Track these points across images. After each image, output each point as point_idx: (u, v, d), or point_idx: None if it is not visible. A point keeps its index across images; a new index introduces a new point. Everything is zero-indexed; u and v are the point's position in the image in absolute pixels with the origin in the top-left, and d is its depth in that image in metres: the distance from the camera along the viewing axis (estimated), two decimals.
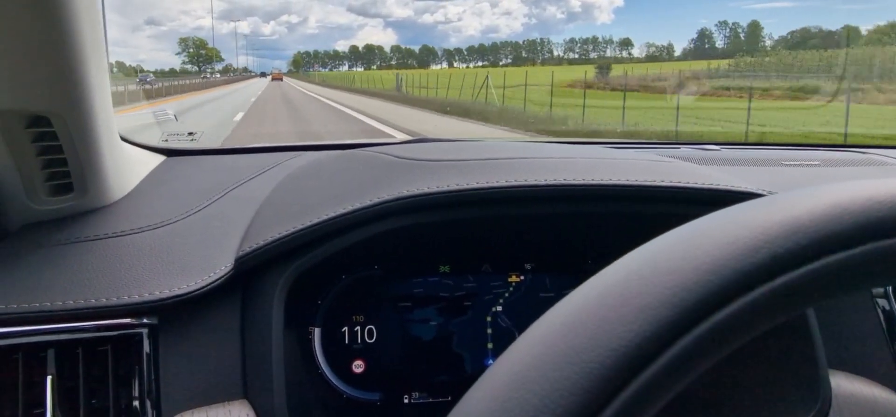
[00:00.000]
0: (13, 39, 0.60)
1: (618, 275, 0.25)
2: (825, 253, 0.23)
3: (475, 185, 0.68)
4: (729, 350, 0.24)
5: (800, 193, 0.26)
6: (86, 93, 0.68)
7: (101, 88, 0.72)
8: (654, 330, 0.23)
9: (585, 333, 0.23)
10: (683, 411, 0.66)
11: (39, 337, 0.61)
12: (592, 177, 0.70)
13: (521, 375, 0.23)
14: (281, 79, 63.15)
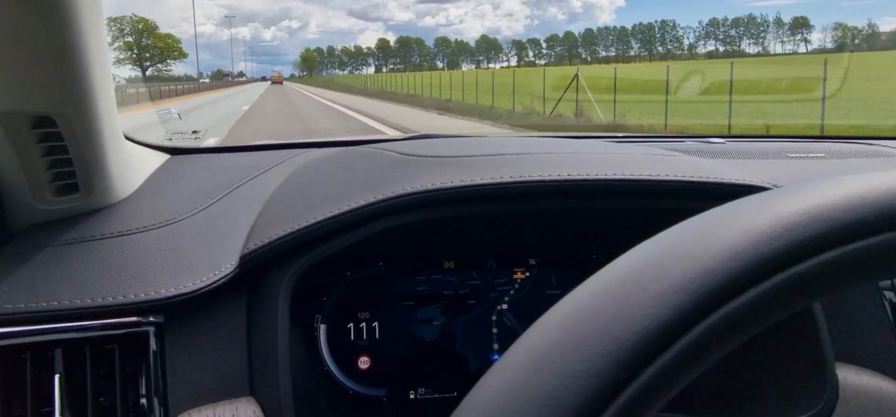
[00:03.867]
0: (18, 41, 0.60)
1: (636, 261, 0.26)
2: (842, 243, 0.24)
3: (480, 181, 0.68)
4: (746, 337, 0.24)
5: (818, 183, 0.26)
6: (90, 94, 0.69)
7: (104, 89, 0.72)
8: (673, 315, 0.23)
9: (604, 317, 0.23)
10: (691, 403, 0.66)
11: (47, 336, 0.62)
12: (597, 173, 0.70)
13: (541, 357, 0.23)
14: (281, 83, 63.45)
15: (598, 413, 0.22)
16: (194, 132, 1.41)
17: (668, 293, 0.23)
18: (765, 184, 0.72)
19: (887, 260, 0.24)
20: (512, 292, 0.84)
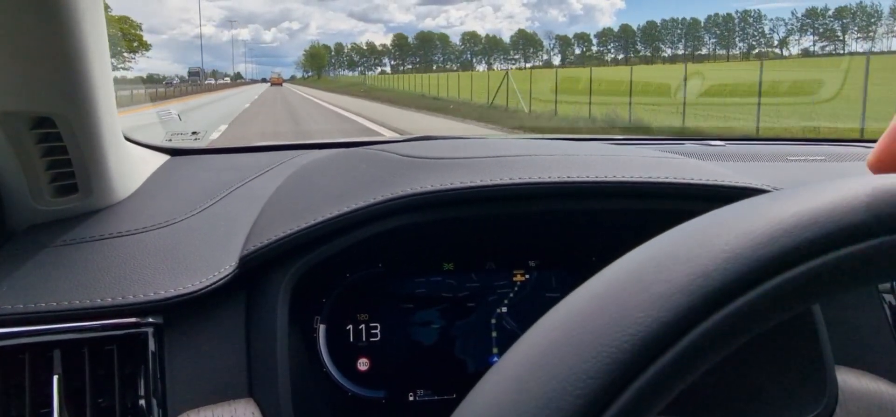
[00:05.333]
0: (17, 41, 0.60)
1: (635, 263, 0.26)
2: (842, 245, 0.24)
3: (479, 183, 0.68)
4: (745, 340, 0.24)
5: (818, 186, 0.27)
6: (90, 94, 0.69)
7: (104, 89, 0.72)
8: (672, 317, 0.23)
9: (604, 319, 0.23)
10: (691, 407, 0.66)
11: (45, 337, 0.61)
12: (597, 174, 0.70)
13: (540, 360, 0.23)
14: (280, 84, 61.57)
15: (596, 416, 0.22)
16: (194, 133, 1.41)
17: (667, 295, 0.23)
18: (764, 187, 0.72)
19: (887, 263, 0.24)
20: (511, 294, 0.84)
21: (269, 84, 64.91)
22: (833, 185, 0.26)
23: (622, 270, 0.26)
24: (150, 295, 0.64)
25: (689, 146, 1.22)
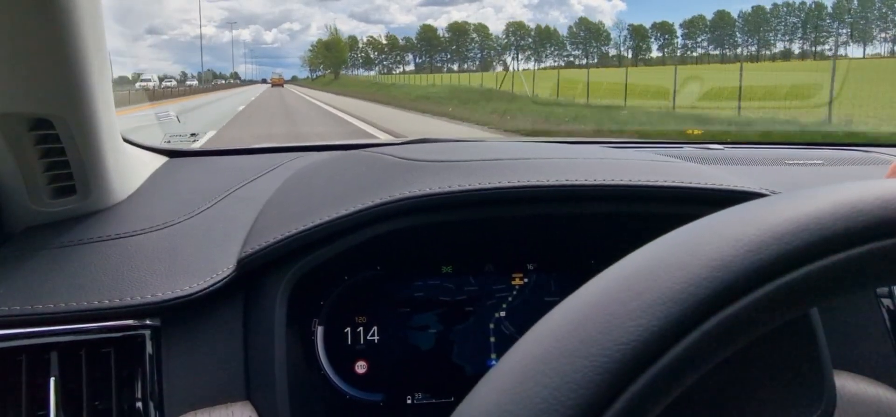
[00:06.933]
0: (15, 43, 0.60)
1: (626, 271, 0.26)
2: (832, 251, 0.24)
3: (477, 186, 0.68)
4: (737, 347, 0.24)
5: (808, 192, 0.26)
6: (88, 96, 0.69)
7: (103, 90, 0.72)
8: (663, 326, 0.23)
9: (595, 328, 0.23)
10: (688, 411, 0.66)
11: (42, 339, 0.61)
12: (595, 178, 0.70)
13: (532, 368, 0.23)
14: (281, 85, 60.31)
15: None
16: (192, 134, 1.41)
17: (657, 303, 0.23)
18: (762, 191, 0.73)
19: (879, 269, 0.24)
20: (510, 297, 0.84)
21: (269, 85, 63.97)
22: (824, 191, 0.26)
23: (613, 278, 0.26)
24: (148, 298, 0.64)
25: (687, 149, 1.23)
